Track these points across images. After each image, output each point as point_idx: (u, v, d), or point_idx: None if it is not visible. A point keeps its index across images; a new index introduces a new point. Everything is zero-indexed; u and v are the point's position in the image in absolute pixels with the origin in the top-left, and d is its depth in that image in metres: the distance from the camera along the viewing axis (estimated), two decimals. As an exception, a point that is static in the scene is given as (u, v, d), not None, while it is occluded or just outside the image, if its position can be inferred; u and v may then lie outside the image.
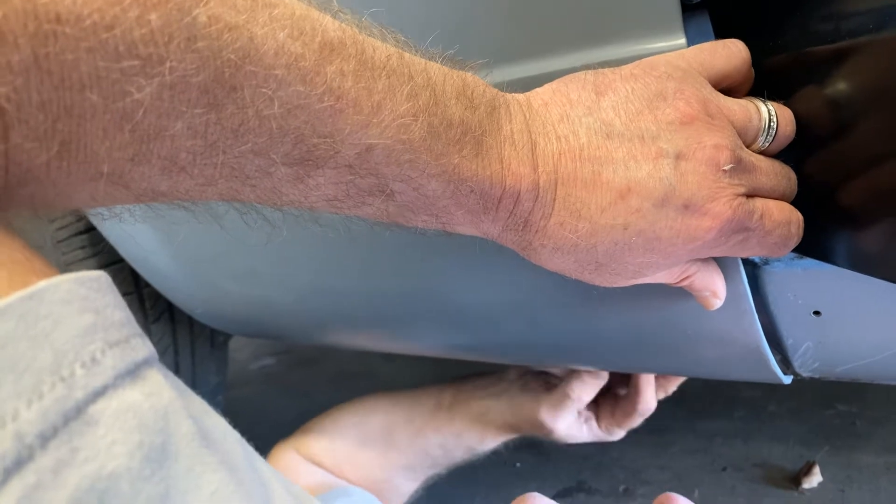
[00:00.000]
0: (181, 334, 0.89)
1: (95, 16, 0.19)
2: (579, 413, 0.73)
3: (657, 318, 0.52)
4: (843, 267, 0.37)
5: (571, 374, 0.70)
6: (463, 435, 0.72)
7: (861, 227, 0.34)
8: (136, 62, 0.20)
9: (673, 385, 0.73)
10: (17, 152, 0.20)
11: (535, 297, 0.39)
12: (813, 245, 0.38)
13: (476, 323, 0.63)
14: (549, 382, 0.74)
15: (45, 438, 0.16)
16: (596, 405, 0.75)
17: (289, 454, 0.72)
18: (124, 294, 0.78)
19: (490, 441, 0.74)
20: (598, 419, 0.75)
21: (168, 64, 0.21)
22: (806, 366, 0.53)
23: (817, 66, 0.34)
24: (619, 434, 0.75)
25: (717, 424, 1.09)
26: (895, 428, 1.01)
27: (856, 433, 1.01)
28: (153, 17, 0.20)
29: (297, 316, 0.74)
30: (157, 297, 0.83)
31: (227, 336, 1.04)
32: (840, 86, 0.33)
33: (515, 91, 0.36)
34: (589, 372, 0.69)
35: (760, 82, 0.39)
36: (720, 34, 0.42)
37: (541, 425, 0.71)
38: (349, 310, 0.68)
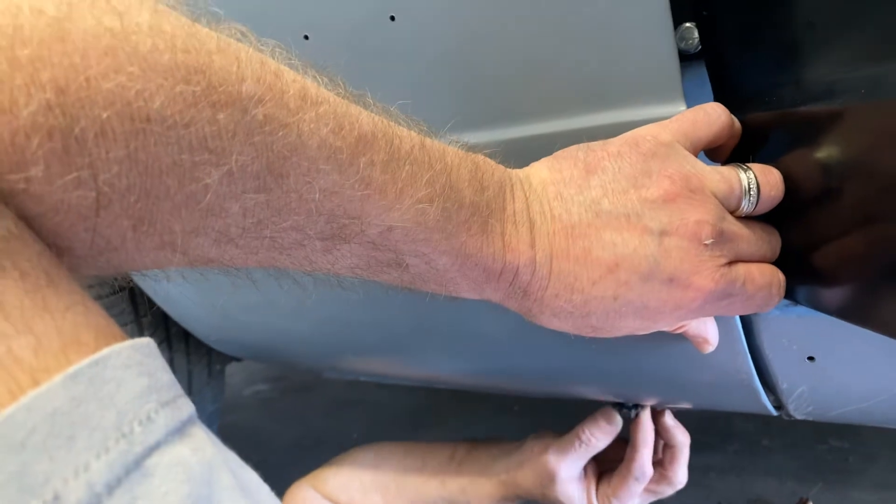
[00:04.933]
0: (179, 363, 0.89)
1: (177, 116, 0.23)
2: (584, 473, 0.70)
3: (657, 354, 0.53)
4: (834, 317, 0.38)
5: (586, 418, 0.67)
6: (467, 490, 0.71)
7: (851, 280, 0.35)
8: (206, 154, 0.24)
9: (678, 473, 0.68)
10: (103, 227, 0.23)
11: (539, 328, 0.40)
12: (805, 295, 0.39)
13: (482, 350, 0.64)
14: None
15: (111, 487, 0.18)
16: (596, 476, 0.72)
17: (306, 491, 0.73)
18: (124, 325, 0.79)
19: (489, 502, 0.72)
20: (596, 490, 0.71)
21: (234, 156, 0.24)
22: (800, 409, 0.54)
23: (809, 125, 0.35)
24: None
25: (711, 458, 1.09)
26: (888, 464, 1.01)
27: (849, 469, 1.01)
28: (221, 116, 0.24)
29: (309, 344, 0.76)
30: (156, 327, 0.83)
31: (224, 365, 1.04)
32: (831, 145, 0.34)
33: (520, 149, 0.39)
34: (603, 413, 0.66)
35: (753, 135, 0.40)
36: (717, 84, 0.44)
37: (545, 469, 0.67)
38: (360, 338, 0.69)
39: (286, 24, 0.47)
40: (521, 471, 0.69)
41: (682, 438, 0.67)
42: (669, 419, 0.67)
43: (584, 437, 0.66)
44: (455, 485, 0.71)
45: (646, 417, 0.65)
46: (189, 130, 0.23)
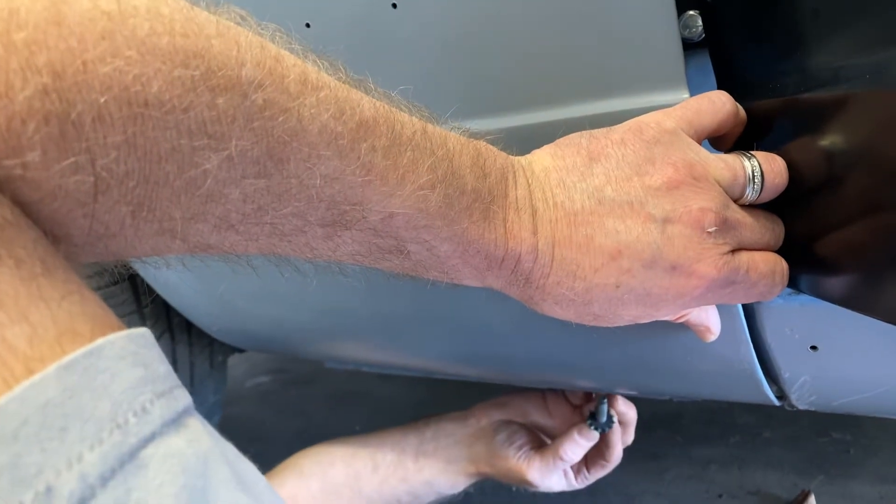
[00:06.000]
0: (180, 354, 0.89)
1: (175, 101, 0.22)
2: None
3: (659, 344, 0.53)
4: (837, 305, 0.38)
5: (563, 435, 0.71)
6: (433, 483, 0.73)
7: (854, 268, 0.35)
8: (205, 140, 0.24)
9: (631, 436, 0.75)
10: (101, 213, 0.23)
11: (540, 318, 0.40)
12: (808, 283, 0.39)
13: (483, 339, 0.64)
14: (539, 438, 0.75)
15: (105, 479, 0.18)
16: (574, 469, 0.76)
17: None
18: (126, 315, 0.79)
19: (461, 485, 0.75)
20: (575, 478, 0.76)
21: (234, 141, 0.24)
22: (803, 399, 0.54)
23: (813, 112, 0.35)
24: (585, 483, 0.76)
25: (712, 451, 1.09)
26: (889, 457, 1.01)
27: (850, 462, 1.01)
28: (220, 101, 0.23)
29: (310, 332, 0.76)
30: (158, 317, 0.83)
31: (226, 356, 1.04)
32: (835, 132, 0.34)
33: (523, 137, 0.39)
34: (580, 432, 0.70)
35: (757, 123, 0.40)
36: (720, 72, 0.43)
37: (526, 482, 0.71)
38: (362, 326, 0.70)
39: (287, 11, 0.47)
40: (496, 471, 0.72)
41: (633, 415, 0.74)
42: (623, 405, 0.73)
43: (565, 457, 0.70)
44: (418, 480, 0.73)
45: (617, 425, 0.72)
46: (188, 115, 0.23)
